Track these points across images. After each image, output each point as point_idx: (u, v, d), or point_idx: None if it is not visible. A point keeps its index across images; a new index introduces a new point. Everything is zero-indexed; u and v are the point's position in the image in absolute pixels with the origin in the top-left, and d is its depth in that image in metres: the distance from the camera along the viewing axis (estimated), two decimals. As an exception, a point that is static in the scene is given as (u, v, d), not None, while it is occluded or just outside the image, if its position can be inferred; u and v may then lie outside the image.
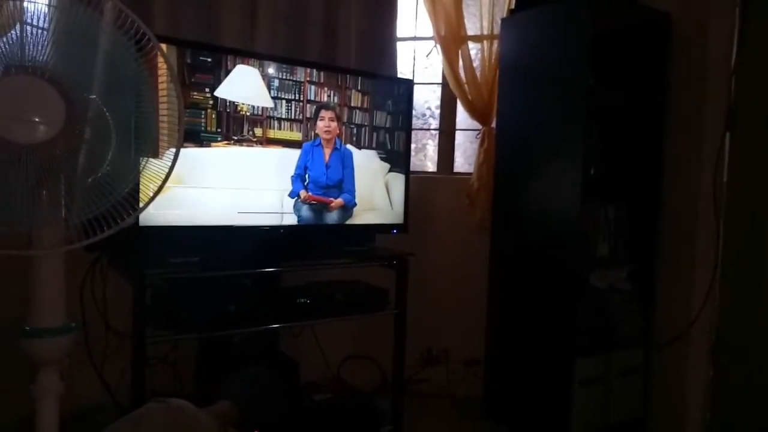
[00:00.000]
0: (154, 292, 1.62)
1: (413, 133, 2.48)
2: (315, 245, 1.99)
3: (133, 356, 1.51)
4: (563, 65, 2.14)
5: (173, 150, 1.28)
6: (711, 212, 2.24)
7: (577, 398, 2.08)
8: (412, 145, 2.43)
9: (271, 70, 1.88)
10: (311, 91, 1.97)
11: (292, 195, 1.92)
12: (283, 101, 1.90)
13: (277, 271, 1.83)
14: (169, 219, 1.67)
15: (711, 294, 2.26)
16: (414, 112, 2.58)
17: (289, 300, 1.84)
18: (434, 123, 2.86)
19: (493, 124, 2.53)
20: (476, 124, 2.63)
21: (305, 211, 1.95)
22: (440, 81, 2.75)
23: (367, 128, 2.11)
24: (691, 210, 2.25)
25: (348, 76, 2.08)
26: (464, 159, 2.84)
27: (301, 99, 1.94)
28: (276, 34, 2.28)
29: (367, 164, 2.11)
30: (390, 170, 2.18)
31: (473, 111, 2.59)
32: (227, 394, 1.39)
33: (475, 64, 2.60)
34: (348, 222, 2.06)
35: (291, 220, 1.92)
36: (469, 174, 2.64)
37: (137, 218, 1.52)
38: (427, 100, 2.86)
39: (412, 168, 2.36)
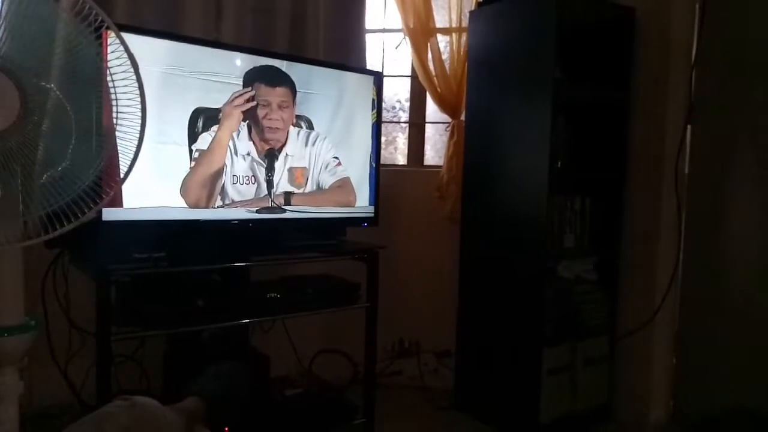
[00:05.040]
0: (119, 288, 1.58)
1: (383, 125, 2.47)
2: (285, 239, 1.97)
3: (98, 354, 1.47)
4: (530, 59, 2.17)
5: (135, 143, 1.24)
6: (673, 204, 2.31)
7: (545, 387, 2.12)
8: (383, 138, 2.43)
9: (238, 62, 1.85)
10: (276, 80, 1.94)
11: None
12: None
13: (247, 265, 1.81)
14: (134, 213, 1.63)
15: (673, 284, 2.32)
16: (384, 105, 2.58)
17: (259, 295, 1.82)
18: (404, 116, 2.86)
19: (463, 117, 2.54)
20: (446, 117, 2.63)
21: (276, 204, 1.93)
22: (410, 74, 2.75)
23: (335, 119, 2.09)
24: (654, 202, 2.31)
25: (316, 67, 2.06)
26: (434, 152, 2.85)
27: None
28: (242, 24, 2.24)
29: (339, 156, 2.10)
30: (361, 163, 2.17)
31: (443, 104, 2.60)
32: (196, 390, 1.37)
33: (444, 56, 2.61)
34: (320, 215, 2.05)
35: (261, 213, 1.90)
36: (440, 167, 2.65)
37: (100, 213, 1.49)
38: (396, 92, 2.85)
39: (383, 161, 2.36)
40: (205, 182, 1.77)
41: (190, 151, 1.74)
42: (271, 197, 1.92)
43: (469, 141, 2.44)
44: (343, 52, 2.45)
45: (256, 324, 2.06)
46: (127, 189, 1.56)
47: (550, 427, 2.14)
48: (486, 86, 2.36)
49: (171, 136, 1.71)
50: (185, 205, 1.73)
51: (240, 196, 1.85)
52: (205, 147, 1.77)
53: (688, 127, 2.32)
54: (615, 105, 2.34)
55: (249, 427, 1.66)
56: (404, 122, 2.85)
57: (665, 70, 2.28)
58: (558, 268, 2.34)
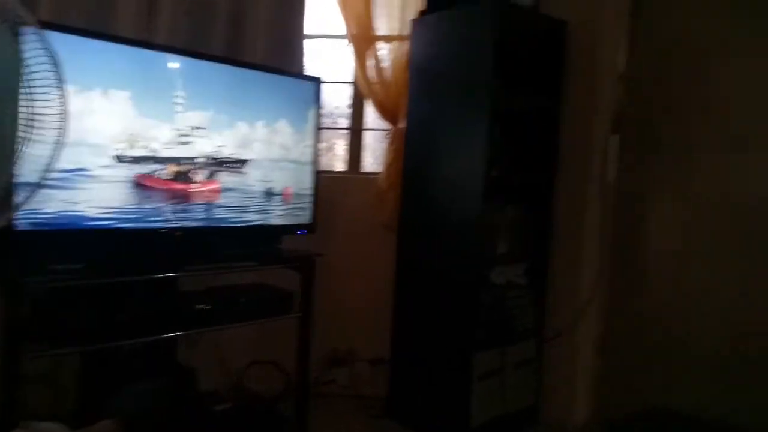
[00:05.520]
0: (33, 302, 1.48)
1: (322, 131, 2.44)
2: (216, 248, 1.91)
3: (4, 375, 1.37)
4: (469, 68, 2.20)
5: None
6: (598, 211, 2.41)
7: (476, 392, 2.16)
8: (322, 144, 2.40)
9: (172, 63, 1.78)
10: (212, 84, 1.88)
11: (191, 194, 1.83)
12: (182, 94, 1.80)
13: (174, 276, 1.74)
14: (51, 221, 1.53)
15: (597, 288, 2.43)
16: (323, 111, 2.55)
17: (186, 306, 1.76)
18: (344, 122, 2.84)
19: (402, 125, 2.56)
20: (386, 124, 2.64)
21: (206, 211, 1.87)
22: (350, 80, 2.73)
23: (273, 125, 2.05)
24: (580, 208, 2.41)
25: (254, 71, 2.01)
26: (374, 159, 2.85)
27: (202, 93, 1.85)
28: (177, 25, 2.15)
29: (272, 163, 2.05)
30: (298, 170, 2.14)
31: (383, 111, 2.60)
32: (114, 410, 1.30)
33: (386, 64, 2.61)
34: (252, 223, 2.00)
35: (189, 221, 1.83)
36: (378, 173, 2.65)
37: (9, 221, 1.39)
38: (336, 99, 2.83)
39: (321, 167, 2.33)
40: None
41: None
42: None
43: (409, 148, 2.45)
44: (282, 56, 2.41)
45: (183, 337, 1.98)
46: (46, 194, 1.46)
47: (481, 430, 2.19)
48: (426, 94, 2.38)
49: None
50: (109, 212, 1.65)
51: (168, 204, 1.78)
52: (131, 152, 1.69)
53: (614, 136, 2.43)
54: (547, 114, 2.43)
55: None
56: (344, 128, 2.83)
57: (593, 82, 2.38)
58: (491, 275, 2.39)
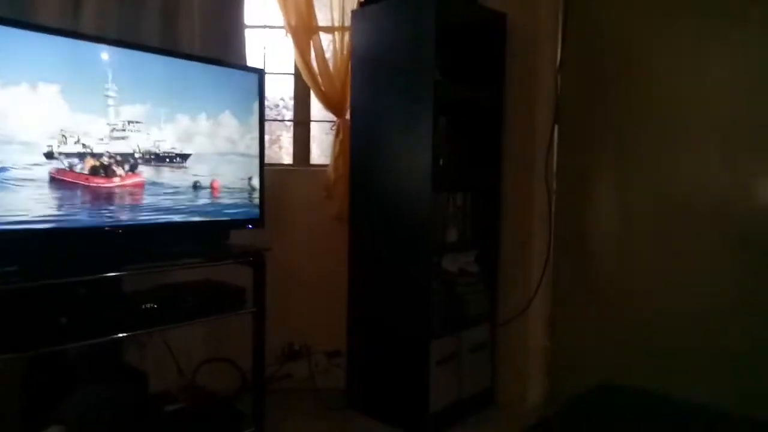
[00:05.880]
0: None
1: (267, 124, 2.40)
2: (162, 245, 1.85)
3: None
4: (411, 59, 2.21)
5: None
6: (544, 198, 2.48)
7: (433, 378, 2.19)
8: (267, 137, 2.36)
9: (104, 54, 1.70)
10: (150, 76, 1.81)
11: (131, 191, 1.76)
12: (115, 86, 1.72)
13: (116, 275, 1.66)
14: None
15: (546, 272, 2.50)
16: (267, 103, 2.51)
17: (132, 306, 1.69)
18: (288, 114, 2.80)
19: (348, 116, 2.55)
20: (331, 116, 2.62)
21: (148, 207, 1.80)
22: (293, 71, 2.70)
23: (215, 119, 2.00)
24: (527, 196, 2.47)
25: (193, 62, 1.95)
26: (321, 151, 2.83)
27: (139, 84, 1.78)
28: (106, 15, 2.05)
29: (216, 157, 2.00)
30: (243, 163, 2.09)
31: (327, 102, 2.58)
32: (60, 416, 1.24)
33: (328, 55, 2.59)
34: (198, 219, 1.94)
35: (130, 218, 1.76)
36: (326, 166, 2.63)
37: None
38: (280, 90, 2.79)
39: (268, 160, 2.29)
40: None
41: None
42: (144, 201, 1.79)
43: (355, 140, 2.45)
44: (222, 47, 2.35)
45: (130, 338, 1.91)
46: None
47: (440, 416, 2.22)
48: (370, 85, 2.38)
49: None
50: (42, 212, 1.56)
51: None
52: (64, 148, 1.61)
53: (555, 126, 2.51)
54: (491, 105, 2.47)
55: (125, 450, 1.54)
56: (288, 121, 2.80)
57: (533, 73, 2.44)
58: (442, 262, 2.42)
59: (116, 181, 1.73)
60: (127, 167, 1.76)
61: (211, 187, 1.99)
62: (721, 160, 2.11)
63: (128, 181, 1.76)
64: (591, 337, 2.45)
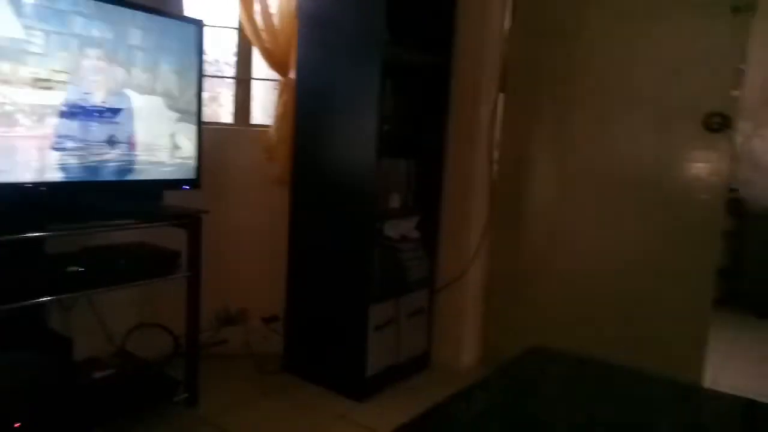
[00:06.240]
0: None
1: (206, 80, 2.28)
2: (89, 205, 1.74)
3: None
4: (359, 20, 2.15)
5: None
6: (486, 166, 2.52)
7: (371, 342, 2.21)
8: (205, 94, 2.25)
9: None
10: (77, 24, 1.66)
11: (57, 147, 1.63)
12: (40, 32, 1.57)
13: (39, 236, 1.55)
14: None
15: (484, 240, 2.56)
16: (207, 58, 2.38)
17: (56, 269, 1.59)
18: (230, 71, 2.67)
19: (293, 75, 2.46)
20: (275, 74, 2.52)
21: (75, 165, 1.68)
22: (236, 25, 2.56)
23: (150, 72, 1.87)
24: (469, 164, 2.49)
25: (125, 9, 1.80)
26: (263, 110, 2.73)
27: (66, 32, 1.63)
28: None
29: (150, 112, 1.88)
30: (179, 120, 1.98)
31: (271, 60, 2.47)
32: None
33: (273, 10, 2.47)
34: (130, 178, 1.84)
35: (56, 175, 1.64)
36: (268, 126, 2.54)
37: None
38: (221, 46, 2.65)
39: (206, 119, 2.19)
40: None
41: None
42: (69, 157, 1.66)
43: (300, 101, 2.37)
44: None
45: (54, 302, 1.80)
46: None
47: (375, 379, 2.25)
48: (316, 45, 2.30)
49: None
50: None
51: (28, 155, 1.57)
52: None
53: (501, 95, 2.53)
54: (439, 71, 2.45)
55: (47, 419, 1.47)
56: (230, 78, 2.67)
57: (481, 41, 2.44)
58: (384, 228, 2.42)
59: (39, 134, 1.60)
60: (52, 120, 1.62)
61: (144, 144, 1.87)
62: (649, 133, 2.22)
63: (52, 135, 1.63)
64: (524, 302, 2.55)
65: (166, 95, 1.92)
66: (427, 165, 2.51)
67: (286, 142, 2.48)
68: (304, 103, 2.35)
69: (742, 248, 4.02)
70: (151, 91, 1.88)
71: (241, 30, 2.52)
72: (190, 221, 1.92)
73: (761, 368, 2.75)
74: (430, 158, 2.51)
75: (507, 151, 2.57)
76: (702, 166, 2.13)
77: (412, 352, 2.48)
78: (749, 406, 1.17)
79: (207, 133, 2.10)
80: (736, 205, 3.86)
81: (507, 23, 2.50)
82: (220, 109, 2.72)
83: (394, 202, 2.41)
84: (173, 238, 1.94)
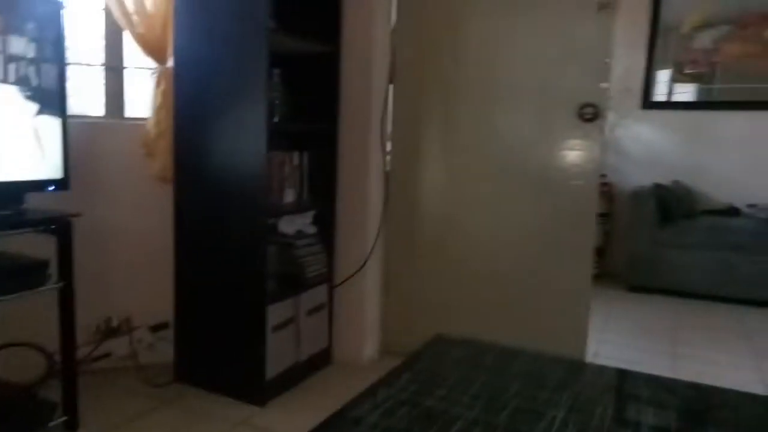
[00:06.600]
0: None
1: (71, 68, 2.05)
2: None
3: None
4: (242, 7, 2.04)
5: None
6: (380, 158, 2.52)
7: (270, 344, 2.13)
8: (70, 84, 2.02)
9: None
10: None
11: None
12: None
13: None
14: None
15: (381, 232, 2.56)
16: (72, 43, 2.14)
17: None
18: (99, 58, 2.42)
19: (171, 63, 2.28)
20: (151, 62, 2.33)
21: None
22: (102, 7, 2.33)
23: (0, 57, 1.64)
24: (363, 155, 2.48)
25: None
26: (139, 101, 2.51)
27: None
28: None
29: (1, 104, 1.65)
30: (39, 112, 1.76)
31: (145, 46, 2.28)
32: None
33: (146, -8, 2.27)
34: (-20, 179, 1.60)
35: None
36: (145, 119, 2.35)
37: None
38: (88, 29, 2.39)
39: (72, 111, 1.97)
40: None
41: None
42: None
43: (180, 91, 2.21)
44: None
45: None
46: None
47: (277, 381, 2.18)
48: (197, 31, 2.15)
49: None
50: None
51: None
52: None
53: (391, 86, 2.54)
54: (328, 60, 2.40)
55: None
56: (99, 65, 2.42)
57: (369, 30, 2.42)
58: (279, 225, 2.34)
59: None
60: None
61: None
62: (531, 123, 2.34)
63: None
64: (421, 292, 2.60)
65: (22, 84, 1.70)
66: (321, 157, 2.46)
67: (167, 136, 2.30)
68: (186, 93, 2.20)
69: (612, 228, 4.41)
70: (2, 80, 1.64)
71: (110, 12, 2.29)
72: (59, 226, 1.72)
73: (632, 339, 3.03)
74: (323, 150, 2.46)
75: (399, 142, 2.59)
76: (578, 153, 2.28)
77: (314, 350, 2.43)
78: (622, 376, 1.27)
79: (75, 128, 1.89)
80: (605, 189, 4.22)
81: (394, 13, 2.51)
82: (89, 101, 2.46)
83: (288, 196, 2.33)
84: (41, 246, 1.72)
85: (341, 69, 2.44)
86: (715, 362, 2.72)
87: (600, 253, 4.03)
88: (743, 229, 3.75)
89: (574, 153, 2.29)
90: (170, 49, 2.26)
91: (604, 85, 2.22)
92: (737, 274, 3.70)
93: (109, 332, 2.30)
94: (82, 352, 2.01)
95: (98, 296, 2.12)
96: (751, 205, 4.05)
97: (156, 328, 2.37)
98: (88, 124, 2.25)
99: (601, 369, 1.35)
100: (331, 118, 2.45)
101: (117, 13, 2.22)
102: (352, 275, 2.51)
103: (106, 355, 2.29)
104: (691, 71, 4.23)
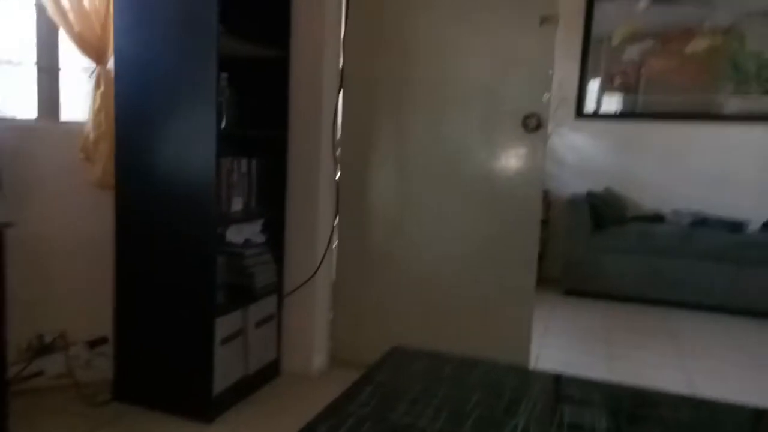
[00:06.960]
0: None
1: (-2, 67, 1.92)
2: None
3: None
4: (188, 9, 1.97)
5: None
6: (331, 165, 2.50)
7: (218, 358, 2.07)
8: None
9: None
10: None
11: None
12: None
13: None
14: None
15: (331, 241, 2.55)
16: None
17: None
18: (30, 57, 2.27)
19: (111, 64, 2.18)
20: (89, 62, 2.21)
21: None
22: (34, 2, 2.19)
23: None
24: (314, 163, 2.46)
25: None
26: (75, 104, 2.37)
27: None
28: None
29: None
30: (-35, 115, 1.63)
31: (83, 46, 2.16)
32: None
33: (83, -12, 2.16)
34: None
35: None
36: (83, 123, 2.22)
37: None
38: (18, 25, 2.24)
39: (0, 114, 1.83)
40: None
41: None
42: None
43: (122, 93, 2.11)
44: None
45: None
46: None
47: (224, 395, 2.12)
48: (139, 31, 2.05)
49: None
50: None
51: None
52: None
53: (340, 93, 2.53)
54: (278, 66, 2.37)
55: None
56: (29, 66, 2.27)
57: (319, 36, 2.40)
58: (227, 234, 2.28)
59: None
60: None
61: None
62: (478, 133, 2.40)
63: None
64: (371, 301, 2.60)
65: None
66: (271, 164, 2.41)
67: (107, 140, 2.19)
68: (127, 96, 2.10)
69: (548, 235, 4.59)
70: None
71: (41, 9, 2.16)
72: (-12, 238, 1.60)
73: (571, 342, 3.16)
74: (273, 157, 2.42)
75: (349, 149, 2.59)
76: (523, 162, 2.35)
77: (262, 362, 2.38)
78: (574, 384, 1.33)
79: (3, 132, 1.76)
80: (543, 196, 4.39)
81: (344, 21, 2.51)
82: (19, 103, 2.30)
83: (237, 204, 2.27)
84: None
85: (291, 74, 2.41)
86: (646, 362, 2.88)
87: (538, 258, 4.18)
88: (668, 234, 4.00)
89: (519, 162, 2.36)
90: (110, 49, 2.16)
91: (546, 95, 2.31)
92: (663, 277, 3.95)
93: (42, 349, 2.15)
94: (11, 372, 1.87)
95: (30, 310, 1.99)
96: (674, 211, 4.33)
97: (94, 344, 2.24)
98: (18, 127, 2.11)
99: (556, 378, 1.40)
100: (282, 124, 2.41)
101: (51, 10, 2.09)
102: (302, 284, 2.48)
103: (39, 374, 2.14)
104: (620, 83, 4.47)
